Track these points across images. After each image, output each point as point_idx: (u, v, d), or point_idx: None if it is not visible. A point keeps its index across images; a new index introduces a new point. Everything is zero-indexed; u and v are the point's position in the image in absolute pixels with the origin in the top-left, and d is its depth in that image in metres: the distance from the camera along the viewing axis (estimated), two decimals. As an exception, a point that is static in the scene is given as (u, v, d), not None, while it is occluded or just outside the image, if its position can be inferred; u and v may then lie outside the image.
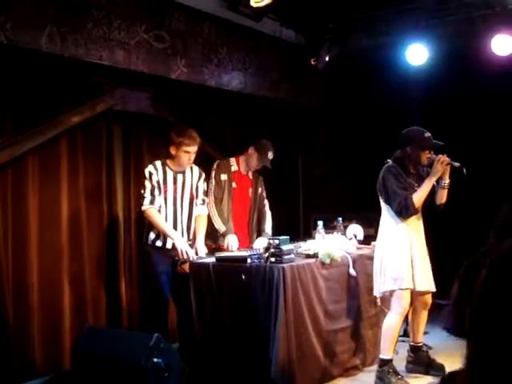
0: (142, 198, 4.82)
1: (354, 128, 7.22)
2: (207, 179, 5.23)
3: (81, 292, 5.28)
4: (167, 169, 4.90)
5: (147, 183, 4.83)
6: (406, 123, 4.63)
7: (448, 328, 1.28)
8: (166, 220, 4.85)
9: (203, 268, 4.54)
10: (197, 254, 4.80)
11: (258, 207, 5.54)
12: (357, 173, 6.93)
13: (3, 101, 4.75)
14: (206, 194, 5.18)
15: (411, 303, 4.52)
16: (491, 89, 6.09)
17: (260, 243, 5.08)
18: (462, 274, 1.34)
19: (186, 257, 4.68)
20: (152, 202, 4.79)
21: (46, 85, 4.97)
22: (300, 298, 4.26)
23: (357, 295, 4.78)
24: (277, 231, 5.44)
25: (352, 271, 4.71)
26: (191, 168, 5.03)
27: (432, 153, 4.45)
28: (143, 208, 4.82)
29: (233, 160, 5.45)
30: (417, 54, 5.98)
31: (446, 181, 4.47)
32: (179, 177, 4.94)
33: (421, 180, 4.47)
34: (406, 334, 5.24)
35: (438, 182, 4.47)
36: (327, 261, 4.52)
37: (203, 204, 5.09)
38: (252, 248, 5.01)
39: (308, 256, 4.56)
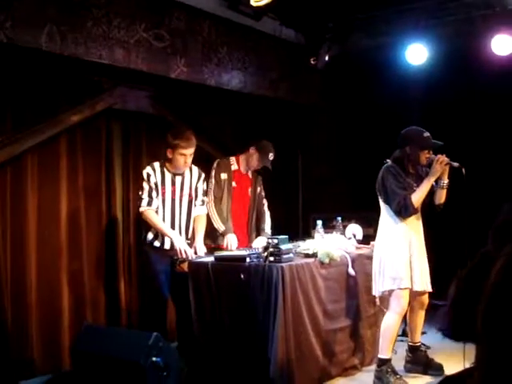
0: (140, 199, 4.82)
1: (354, 128, 7.22)
2: (207, 178, 5.22)
3: (80, 291, 5.28)
4: (165, 170, 4.88)
5: (145, 185, 4.82)
6: (406, 123, 4.62)
7: (443, 329, 1.27)
8: (164, 222, 4.84)
9: (202, 267, 4.53)
10: (196, 253, 4.80)
11: (256, 207, 5.54)
12: (356, 172, 6.93)
13: (3, 99, 4.75)
14: (206, 193, 5.18)
15: (409, 303, 4.52)
16: (491, 89, 6.09)
17: (259, 242, 5.08)
18: (461, 276, 1.34)
19: (184, 256, 4.68)
20: (149, 204, 4.79)
21: (46, 83, 4.98)
22: (299, 297, 4.26)
23: (356, 295, 4.78)
24: (276, 230, 5.44)
25: (351, 271, 4.71)
26: (190, 169, 5.00)
27: (431, 153, 4.46)
28: (141, 209, 4.81)
29: (233, 159, 5.45)
30: (417, 53, 5.98)
31: (445, 181, 4.47)
32: (178, 178, 4.92)
33: (420, 180, 4.47)
34: (404, 333, 5.25)
35: (436, 182, 4.47)
36: (326, 260, 4.52)
37: (202, 205, 5.08)
38: (251, 247, 5.01)
39: (307, 255, 4.56)
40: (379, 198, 4.53)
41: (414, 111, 6.27)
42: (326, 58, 6.52)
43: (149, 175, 4.82)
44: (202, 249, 4.87)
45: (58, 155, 5.17)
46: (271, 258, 4.24)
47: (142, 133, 5.87)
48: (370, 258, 4.69)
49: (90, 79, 5.22)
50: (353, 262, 4.74)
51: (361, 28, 6.47)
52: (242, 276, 4.28)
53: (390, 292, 4.44)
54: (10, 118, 4.81)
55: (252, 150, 5.36)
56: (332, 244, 4.74)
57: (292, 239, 4.69)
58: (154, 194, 4.80)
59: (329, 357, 4.53)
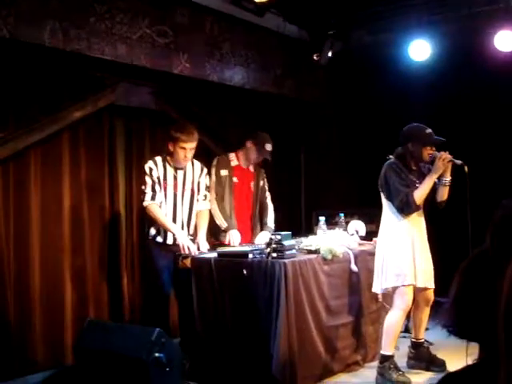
0: (144, 193, 4.82)
1: (357, 124, 7.21)
2: (208, 175, 5.22)
3: (82, 287, 5.30)
4: (167, 165, 4.89)
5: (148, 179, 4.82)
6: (409, 119, 4.62)
7: (447, 326, 1.27)
8: (166, 216, 4.85)
9: (205, 263, 4.54)
10: (198, 249, 4.80)
11: (259, 199, 5.53)
12: (359, 169, 6.93)
13: (6, 95, 4.75)
14: (208, 188, 5.18)
15: (413, 300, 4.52)
16: (494, 85, 6.08)
17: (261, 238, 5.08)
18: (463, 271, 1.33)
19: (187, 252, 4.68)
20: (153, 198, 4.79)
21: (49, 79, 4.97)
22: (301, 293, 4.26)
23: (358, 291, 4.79)
24: (279, 227, 5.44)
25: (354, 267, 4.71)
26: (192, 163, 5.01)
27: (434, 149, 4.45)
28: (145, 204, 4.81)
29: (232, 155, 5.44)
30: (420, 49, 5.96)
31: (448, 178, 4.46)
32: (179, 173, 4.93)
33: (422, 177, 4.46)
34: (407, 330, 5.25)
35: (439, 179, 4.46)
36: (329, 256, 4.52)
37: (205, 199, 5.08)
38: (254, 243, 5.01)
39: (310, 252, 4.55)
40: (382, 194, 4.53)
41: (417, 107, 6.25)
42: (329, 54, 6.51)
43: (151, 169, 4.83)
44: (204, 245, 4.88)
45: (60, 151, 5.17)
46: (274, 254, 4.25)
47: (145, 129, 5.87)
48: (372, 254, 4.69)
49: (92, 75, 5.22)
50: (355, 258, 4.74)
51: (364, 24, 6.46)
52: (245, 272, 4.29)
53: (394, 289, 4.44)
54: (12, 114, 4.82)
55: (249, 144, 5.34)
56: (334, 240, 4.73)
57: (295, 235, 4.70)
58: (157, 187, 4.81)
59: (331, 353, 4.53)
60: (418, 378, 4.50)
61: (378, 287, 4.52)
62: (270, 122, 6.55)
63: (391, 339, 4.43)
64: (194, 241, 4.88)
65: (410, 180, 4.45)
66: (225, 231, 5.18)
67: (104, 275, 5.51)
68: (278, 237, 4.29)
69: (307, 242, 4.70)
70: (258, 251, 4.40)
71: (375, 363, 4.59)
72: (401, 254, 4.40)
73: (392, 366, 4.39)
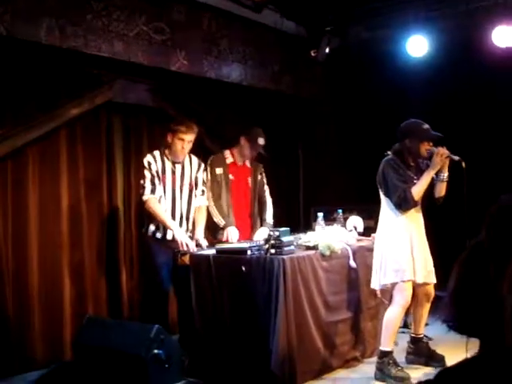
0: (143, 187, 4.83)
1: (355, 120, 7.21)
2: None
3: (81, 283, 5.30)
4: (165, 159, 4.90)
5: (147, 173, 4.83)
6: (407, 115, 4.62)
7: (448, 321, 1.26)
8: (166, 212, 4.85)
9: (203, 260, 4.55)
10: (197, 245, 4.81)
11: (258, 193, 5.53)
12: (357, 165, 6.92)
13: (3, 93, 4.75)
14: (206, 184, 5.19)
15: (413, 295, 4.52)
16: (492, 81, 6.07)
17: (260, 235, 5.09)
18: (461, 263, 1.32)
19: (186, 249, 4.69)
20: (153, 192, 4.80)
21: (45, 77, 4.97)
22: (300, 289, 4.27)
23: (357, 287, 4.79)
24: (277, 223, 5.44)
25: (352, 263, 4.72)
26: (190, 159, 5.03)
27: (431, 145, 4.45)
28: (144, 198, 4.81)
29: (227, 152, 5.43)
30: (417, 45, 5.96)
31: (445, 174, 4.46)
32: (177, 167, 4.94)
33: (420, 173, 4.46)
34: (406, 325, 5.26)
35: (437, 174, 4.46)
36: (327, 252, 4.52)
37: (203, 195, 5.10)
38: (252, 240, 5.01)
39: (308, 248, 4.56)
40: (380, 190, 4.53)
41: (415, 103, 6.25)
42: (327, 51, 6.50)
43: (150, 163, 4.84)
44: (203, 240, 4.88)
45: (58, 148, 5.17)
46: (272, 251, 4.25)
47: (143, 126, 5.87)
48: (370, 250, 4.69)
49: (89, 72, 5.21)
50: (354, 254, 4.75)
51: (361, 20, 6.46)
52: (244, 268, 4.29)
53: (393, 285, 4.44)
54: (10, 111, 4.81)
55: (242, 140, 5.34)
56: (333, 236, 4.74)
57: (293, 231, 4.70)
58: (156, 181, 4.82)
59: (330, 349, 4.54)
60: (417, 373, 4.51)
61: (376, 283, 4.53)
62: (267, 119, 6.55)
63: (390, 335, 4.44)
64: (192, 237, 4.88)
65: (407, 176, 4.45)
66: (223, 229, 5.18)
67: (102, 272, 5.51)
68: (277, 233, 4.29)
69: (306, 238, 4.71)
70: (256, 247, 4.40)
71: (374, 359, 4.60)
72: (399, 249, 4.40)
73: (391, 362, 4.40)
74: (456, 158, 4.37)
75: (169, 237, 4.85)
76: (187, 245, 4.69)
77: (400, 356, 4.64)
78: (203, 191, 5.10)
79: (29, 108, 4.90)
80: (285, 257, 4.19)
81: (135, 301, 5.70)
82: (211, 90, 6.19)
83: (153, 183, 4.81)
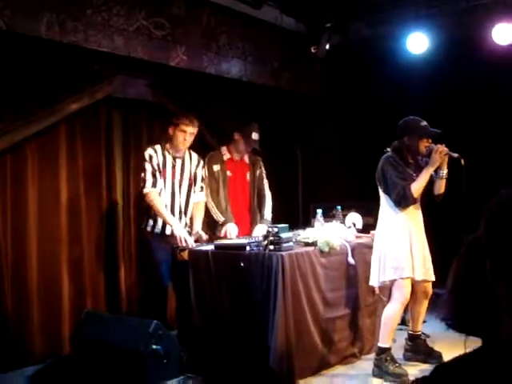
0: (144, 180, 4.83)
1: (355, 117, 7.20)
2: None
3: (80, 278, 5.30)
4: (166, 153, 4.92)
5: (147, 166, 4.83)
6: (407, 112, 4.61)
7: (446, 319, 1.26)
8: (166, 206, 4.86)
9: (202, 255, 4.55)
10: (196, 241, 4.81)
11: (257, 187, 5.52)
12: (356, 162, 6.92)
13: (2, 88, 4.74)
14: (204, 181, 5.19)
15: (412, 292, 4.52)
16: (492, 78, 6.08)
17: (259, 231, 5.09)
18: (460, 258, 1.32)
19: (184, 244, 4.69)
20: (154, 185, 4.81)
21: (45, 72, 4.96)
22: (298, 285, 4.27)
23: (355, 284, 4.80)
24: (276, 219, 5.44)
25: (351, 260, 4.72)
26: (190, 155, 5.04)
27: (430, 142, 4.45)
28: (145, 191, 4.82)
29: (224, 149, 5.42)
30: (417, 42, 5.97)
31: (444, 171, 4.46)
32: (178, 162, 4.96)
33: (419, 170, 4.46)
34: (403, 322, 5.26)
35: (436, 172, 4.46)
36: (326, 249, 4.53)
37: (202, 191, 5.11)
38: (251, 236, 5.02)
39: (307, 244, 4.57)
40: (379, 187, 4.53)
41: (415, 100, 6.25)
42: (327, 47, 6.49)
43: (151, 156, 4.85)
44: (201, 232, 4.89)
45: (57, 143, 5.17)
46: (271, 247, 4.25)
47: (142, 121, 5.87)
48: (369, 247, 4.70)
49: (89, 67, 5.21)
50: (352, 250, 4.75)
51: (362, 17, 6.45)
52: (242, 264, 4.30)
53: (392, 282, 4.44)
54: (9, 106, 4.81)
55: (237, 136, 5.33)
56: (332, 233, 4.74)
57: (292, 228, 4.70)
58: (157, 174, 4.83)
59: (328, 345, 4.55)
60: (415, 370, 4.51)
61: (375, 280, 4.53)
62: (267, 115, 6.55)
63: (389, 332, 4.44)
64: (190, 233, 4.89)
65: (406, 173, 4.45)
66: (222, 225, 5.19)
67: (101, 267, 5.52)
68: (276, 229, 4.29)
69: (304, 234, 4.71)
70: (255, 243, 4.41)
71: (372, 355, 4.60)
72: (398, 247, 4.40)
73: (389, 358, 4.41)
74: (455, 155, 4.37)
75: (168, 232, 4.86)
76: (186, 240, 4.69)
77: (398, 353, 4.65)
78: (202, 187, 5.11)
79: (28, 103, 4.89)
80: (283, 253, 4.19)
81: (134, 296, 5.71)
82: (211, 85, 6.19)
83: (154, 176, 4.82)
